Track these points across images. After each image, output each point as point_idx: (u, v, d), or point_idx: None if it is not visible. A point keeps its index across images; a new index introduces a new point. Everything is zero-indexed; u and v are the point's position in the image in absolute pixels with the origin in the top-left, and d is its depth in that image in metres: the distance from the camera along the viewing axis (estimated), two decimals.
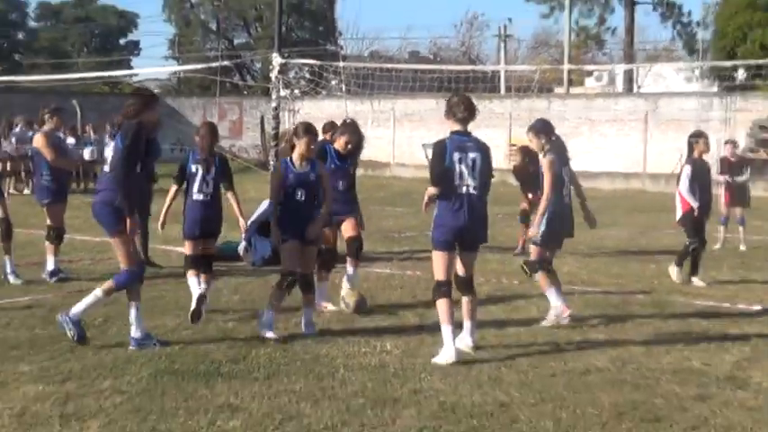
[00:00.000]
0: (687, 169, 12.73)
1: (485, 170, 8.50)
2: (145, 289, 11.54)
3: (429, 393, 7.38)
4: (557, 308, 9.98)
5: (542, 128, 10.34)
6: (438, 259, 8.45)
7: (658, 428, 6.64)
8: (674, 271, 12.68)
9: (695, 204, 12.51)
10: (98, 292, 8.94)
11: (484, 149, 8.58)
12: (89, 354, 8.46)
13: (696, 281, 12.69)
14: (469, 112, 8.60)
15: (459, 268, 8.63)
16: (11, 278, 12.22)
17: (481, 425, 6.64)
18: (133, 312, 8.95)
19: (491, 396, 7.30)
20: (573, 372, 8.06)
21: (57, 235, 12.57)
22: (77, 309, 8.90)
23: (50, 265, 12.38)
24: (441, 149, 8.49)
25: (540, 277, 10.18)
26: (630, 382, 7.79)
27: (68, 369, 7.95)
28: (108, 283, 8.97)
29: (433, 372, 8.00)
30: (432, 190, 8.45)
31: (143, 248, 13.49)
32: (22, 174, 27.47)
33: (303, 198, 9.40)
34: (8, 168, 27.41)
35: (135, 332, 8.92)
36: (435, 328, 8.81)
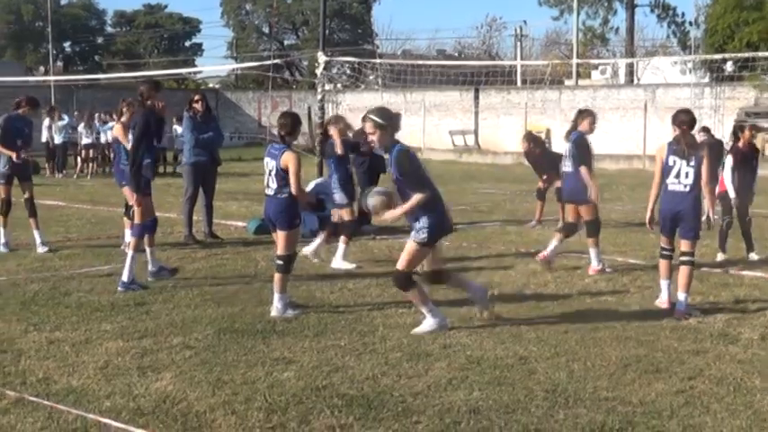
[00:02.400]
0: (729, 159, 11.84)
1: None
2: (208, 258, 11.72)
3: (457, 348, 7.34)
4: (662, 296, 9.13)
5: (673, 118, 9.30)
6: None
7: (659, 378, 6.57)
8: (720, 256, 11.90)
9: (732, 194, 11.69)
10: (130, 252, 9.69)
11: None
12: (162, 315, 8.49)
13: (753, 256, 11.90)
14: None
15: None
16: (40, 249, 12.10)
17: (503, 375, 6.61)
18: (129, 260, 9.63)
19: (512, 350, 7.26)
20: (584, 329, 7.98)
21: (133, 213, 12.59)
22: (126, 274, 9.60)
23: (128, 238, 12.42)
24: None
25: (659, 263, 9.27)
26: (634, 338, 7.71)
27: (144, 328, 7.99)
28: (132, 242, 9.79)
29: (460, 329, 7.96)
30: None
31: (207, 222, 13.55)
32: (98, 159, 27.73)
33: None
34: (90, 155, 27.57)
35: (124, 276, 9.59)
36: (462, 292, 8.81)
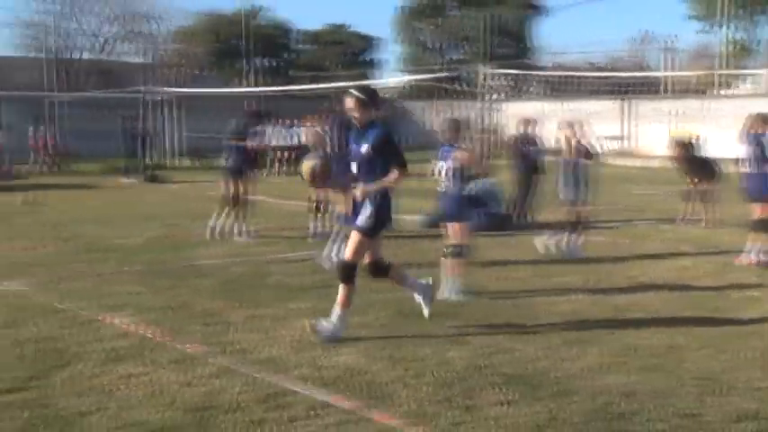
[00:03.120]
0: None
1: None
2: (386, 248, 11.75)
3: (613, 335, 7.12)
4: None
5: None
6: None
7: None
8: None
9: None
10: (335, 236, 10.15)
11: None
12: None
13: None
14: None
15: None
16: (238, 238, 12.49)
17: (656, 363, 6.34)
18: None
19: (664, 340, 6.97)
20: (734, 322, 7.64)
21: (321, 206, 12.81)
22: (331, 251, 10.18)
23: (313, 229, 12.67)
24: None
25: None
26: None
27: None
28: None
29: (614, 318, 7.73)
30: None
31: None
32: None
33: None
34: (281, 156, 28.37)
35: (329, 251, 10.20)
36: (621, 283, 8.54)
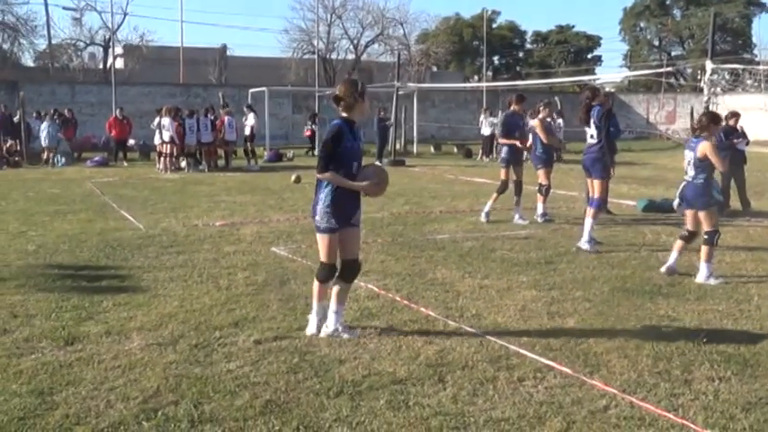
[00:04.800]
0: None
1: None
2: (603, 229, 11.38)
3: None
4: None
5: None
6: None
7: None
8: None
9: None
10: (588, 219, 9.79)
11: None
12: (566, 272, 8.39)
13: None
14: None
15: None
16: (520, 221, 12.05)
17: None
18: (587, 225, 9.73)
19: None
20: None
21: (546, 190, 12.59)
22: (586, 235, 9.68)
23: (540, 210, 12.45)
24: None
25: None
26: None
27: (552, 281, 7.96)
28: (591, 212, 9.82)
29: None
30: None
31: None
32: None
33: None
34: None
35: (585, 236, 9.68)
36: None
